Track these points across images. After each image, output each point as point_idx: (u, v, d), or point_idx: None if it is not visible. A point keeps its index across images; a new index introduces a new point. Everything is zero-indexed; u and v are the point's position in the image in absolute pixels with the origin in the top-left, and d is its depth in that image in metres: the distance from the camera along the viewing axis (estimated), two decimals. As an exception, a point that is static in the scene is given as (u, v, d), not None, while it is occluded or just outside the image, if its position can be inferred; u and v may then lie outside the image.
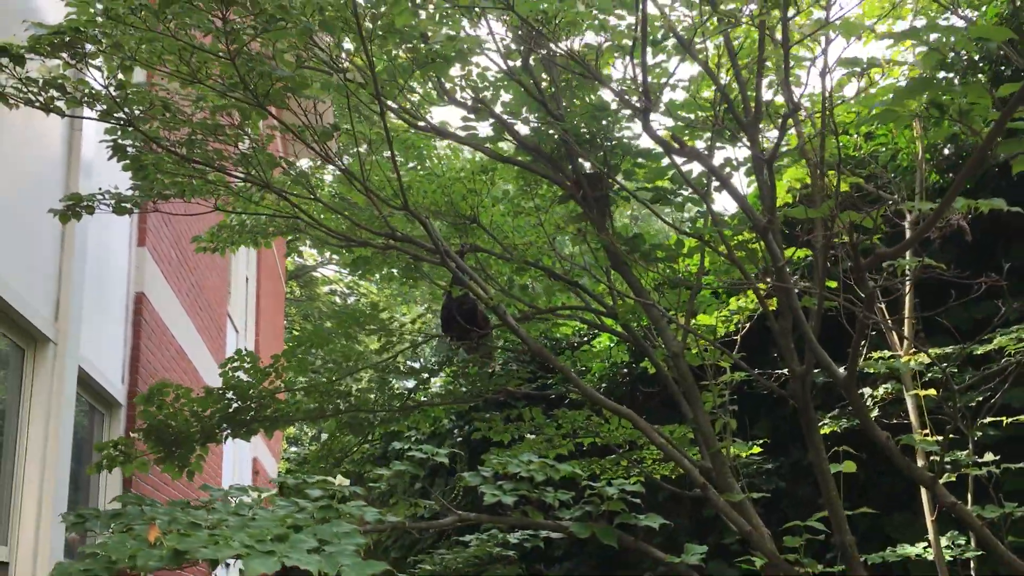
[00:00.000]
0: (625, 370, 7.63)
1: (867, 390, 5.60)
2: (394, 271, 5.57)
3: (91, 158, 5.07)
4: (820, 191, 3.31)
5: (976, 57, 5.24)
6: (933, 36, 1.91)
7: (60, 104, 3.04)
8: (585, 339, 8.31)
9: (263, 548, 1.61)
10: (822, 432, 5.18)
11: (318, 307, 23.93)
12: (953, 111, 2.08)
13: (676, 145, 3.31)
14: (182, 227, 7.43)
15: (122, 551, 1.78)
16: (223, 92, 2.93)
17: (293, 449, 21.98)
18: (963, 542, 4.40)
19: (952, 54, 4.14)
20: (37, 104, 2.99)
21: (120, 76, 2.89)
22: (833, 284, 4.43)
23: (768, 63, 3.34)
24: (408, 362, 5.11)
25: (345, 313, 5.00)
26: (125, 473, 4.06)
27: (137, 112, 3.21)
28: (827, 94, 2.77)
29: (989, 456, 3.99)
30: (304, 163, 10.19)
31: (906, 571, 5.22)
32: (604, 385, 7.74)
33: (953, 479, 4.15)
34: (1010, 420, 4.22)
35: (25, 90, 3.01)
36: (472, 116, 4.13)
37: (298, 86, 2.85)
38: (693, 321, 5.25)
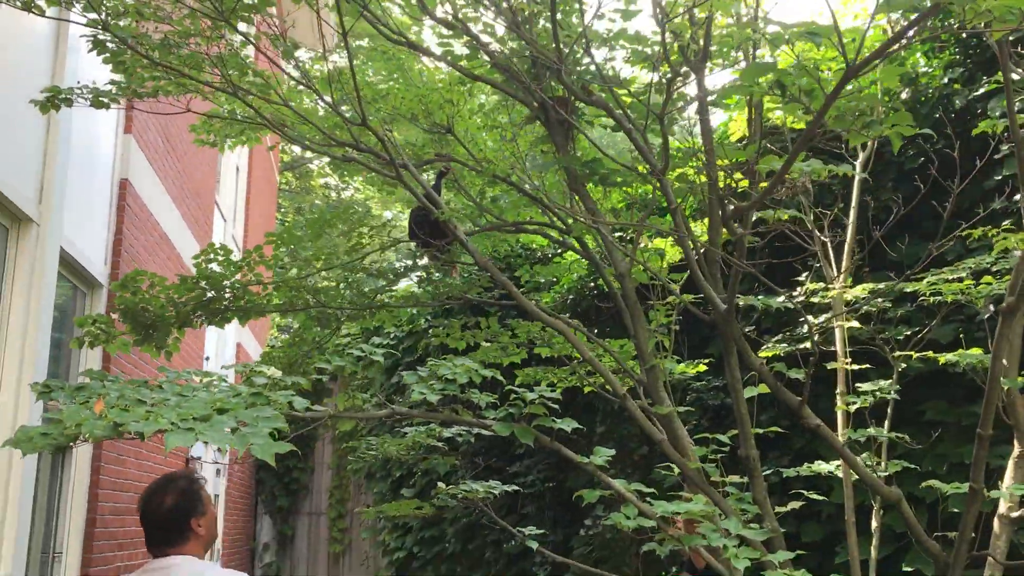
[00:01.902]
0: (592, 284, 7.90)
1: (810, 318, 5.89)
2: (377, 176, 5.75)
3: (78, 47, 5.20)
4: (757, 131, 3.51)
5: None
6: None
7: (40, 3, 3.20)
8: (558, 251, 8.57)
9: (185, 426, 1.90)
10: (765, 355, 5.50)
11: (312, 200, 24.02)
12: (793, 91, 2.31)
13: (584, 94, 3.50)
14: (169, 115, 7.56)
15: (73, 419, 2.07)
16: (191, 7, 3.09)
17: (285, 336, 22.33)
18: (872, 463, 4.76)
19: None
20: (17, 4, 3.15)
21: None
22: (785, 216, 4.69)
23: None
24: (375, 265, 5.33)
25: (316, 216, 5.18)
26: (109, 351, 4.36)
27: (110, 16, 3.37)
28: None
29: (869, 386, 4.30)
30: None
31: (830, 488, 5.63)
32: (571, 297, 8.03)
33: (867, 406, 4.47)
34: (920, 354, 4.51)
35: (6, -13, 3.16)
36: (448, 33, 4.28)
37: (262, 4, 3.02)
38: (650, 244, 5.49)
